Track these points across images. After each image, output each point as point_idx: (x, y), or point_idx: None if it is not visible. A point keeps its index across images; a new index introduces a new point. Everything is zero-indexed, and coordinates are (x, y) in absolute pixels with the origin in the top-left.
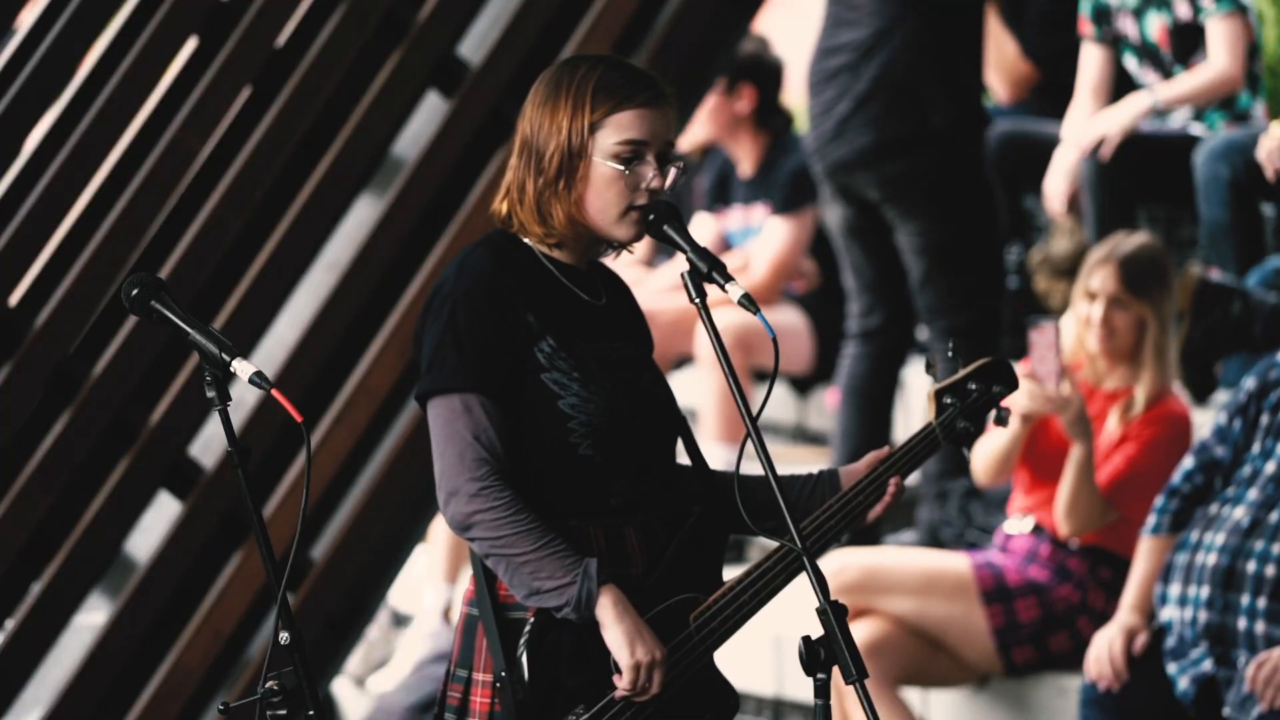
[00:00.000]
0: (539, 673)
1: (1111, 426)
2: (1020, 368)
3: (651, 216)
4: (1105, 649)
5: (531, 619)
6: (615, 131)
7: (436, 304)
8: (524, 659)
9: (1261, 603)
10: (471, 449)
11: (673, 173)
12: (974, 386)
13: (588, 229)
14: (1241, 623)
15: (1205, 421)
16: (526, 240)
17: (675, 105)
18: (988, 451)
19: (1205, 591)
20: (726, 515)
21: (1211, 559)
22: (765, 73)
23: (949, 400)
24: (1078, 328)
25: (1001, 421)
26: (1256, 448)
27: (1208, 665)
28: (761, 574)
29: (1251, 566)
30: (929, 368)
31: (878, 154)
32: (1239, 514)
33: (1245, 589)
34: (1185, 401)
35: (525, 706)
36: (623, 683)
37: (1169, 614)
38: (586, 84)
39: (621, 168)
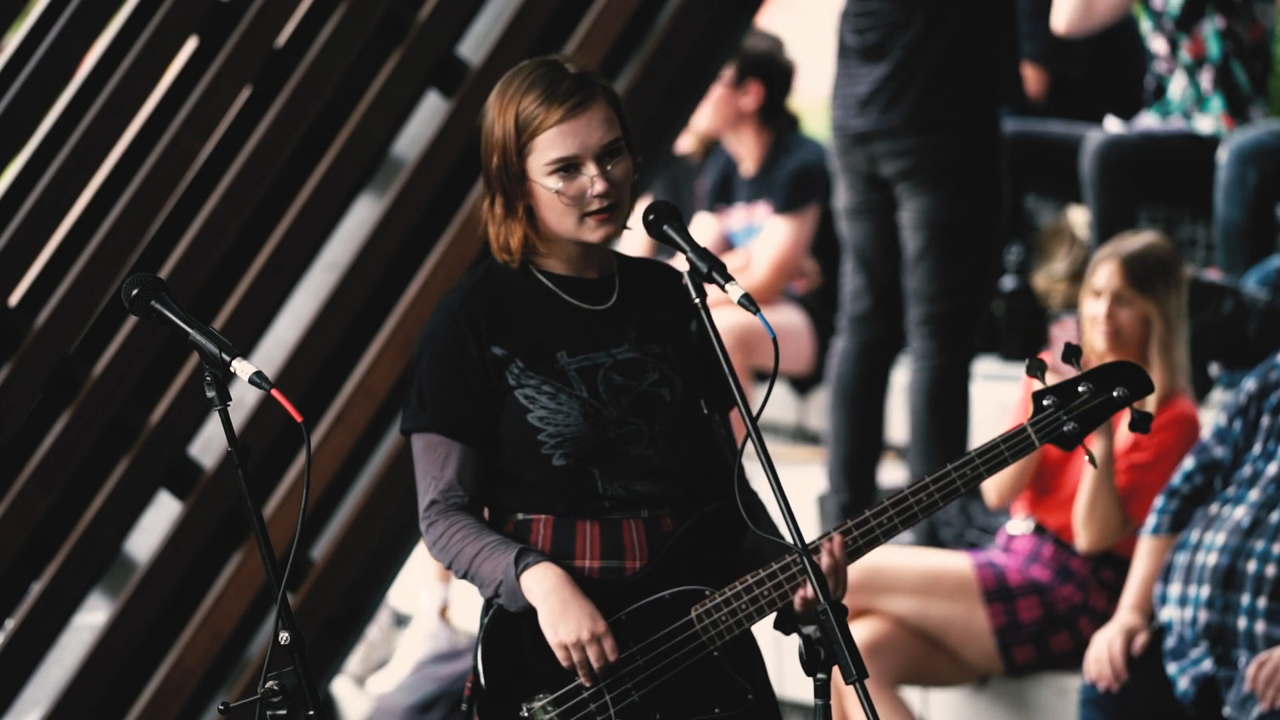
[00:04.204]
0: (494, 663)
1: (1124, 428)
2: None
3: (651, 217)
4: (1105, 649)
5: (489, 615)
6: (543, 153)
7: (418, 343)
8: (479, 652)
9: (1262, 602)
10: (428, 487)
11: (619, 167)
12: (1084, 389)
13: (559, 238)
14: (1242, 622)
15: (1210, 421)
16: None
17: (608, 96)
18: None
19: (1205, 591)
20: (744, 512)
21: (1212, 559)
22: (775, 72)
23: (1048, 402)
24: (1085, 326)
25: (1136, 426)
26: (1258, 448)
27: (1208, 665)
28: (785, 568)
29: (1252, 566)
30: (1031, 370)
31: (901, 129)
32: (1239, 514)
33: (1245, 589)
34: (1194, 401)
35: (482, 696)
36: (562, 661)
37: (1169, 614)
38: (509, 112)
39: (558, 186)
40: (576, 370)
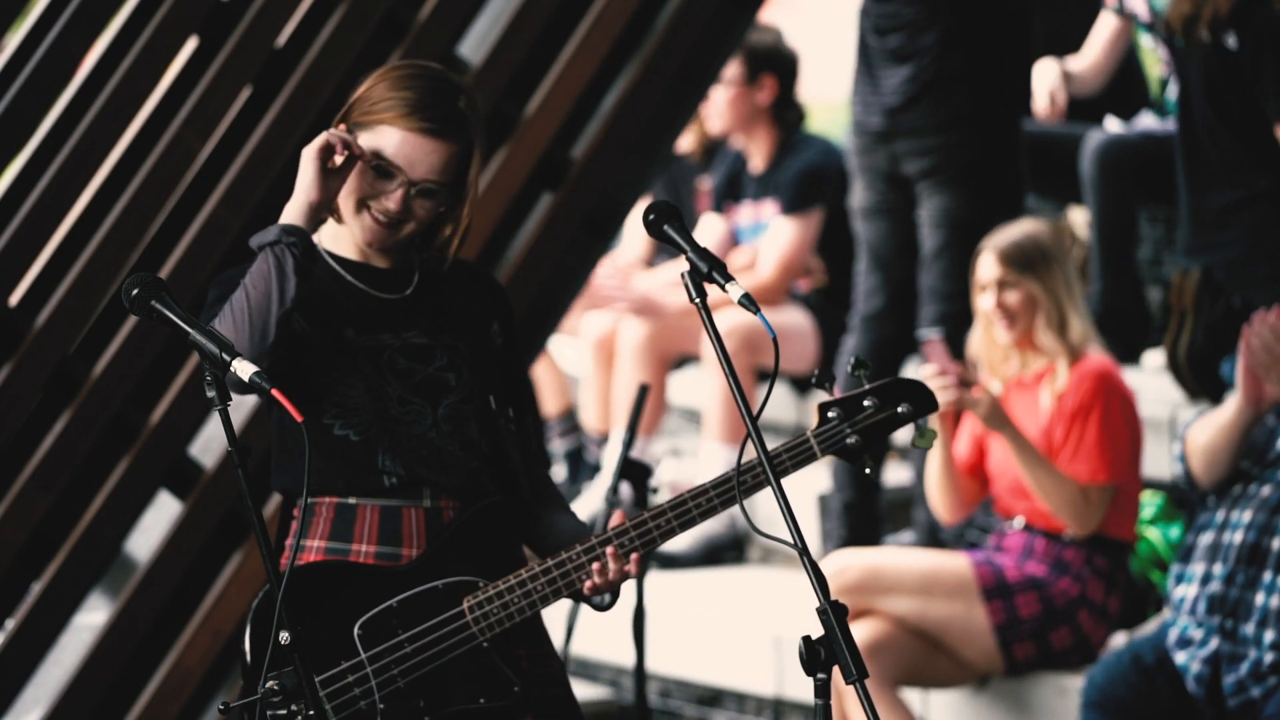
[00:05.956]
0: (260, 644)
1: (1045, 401)
2: (927, 369)
3: (651, 216)
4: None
5: (257, 597)
6: (377, 138)
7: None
8: (246, 633)
9: None
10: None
11: (425, 206)
12: (869, 403)
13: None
14: (1259, 598)
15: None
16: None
17: (465, 142)
18: (930, 484)
19: (1228, 567)
20: (527, 506)
21: (1238, 536)
22: (784, 64)
23: (833, 414)
24: (984, 325)
25: (920, 441)
26: None
27: (1215, 643)
28: (560, 564)
29: (1277, 544)
30: (818, 381)
31: (924, 128)
32: (1267, 491)
33: (1269, 565)
34: (1102, 354)
35: (248, 676)
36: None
37: (1182, 592)
38: (386, 84)
39: (365, 170)
40: (362, 348)
